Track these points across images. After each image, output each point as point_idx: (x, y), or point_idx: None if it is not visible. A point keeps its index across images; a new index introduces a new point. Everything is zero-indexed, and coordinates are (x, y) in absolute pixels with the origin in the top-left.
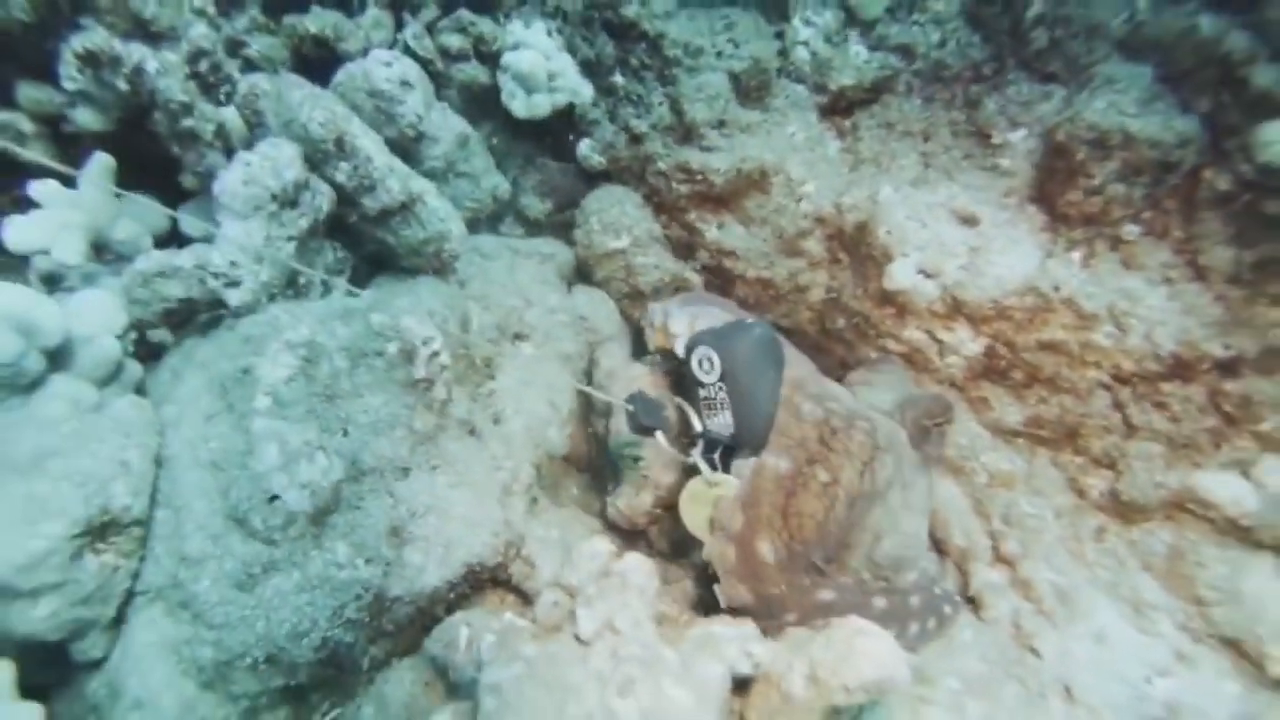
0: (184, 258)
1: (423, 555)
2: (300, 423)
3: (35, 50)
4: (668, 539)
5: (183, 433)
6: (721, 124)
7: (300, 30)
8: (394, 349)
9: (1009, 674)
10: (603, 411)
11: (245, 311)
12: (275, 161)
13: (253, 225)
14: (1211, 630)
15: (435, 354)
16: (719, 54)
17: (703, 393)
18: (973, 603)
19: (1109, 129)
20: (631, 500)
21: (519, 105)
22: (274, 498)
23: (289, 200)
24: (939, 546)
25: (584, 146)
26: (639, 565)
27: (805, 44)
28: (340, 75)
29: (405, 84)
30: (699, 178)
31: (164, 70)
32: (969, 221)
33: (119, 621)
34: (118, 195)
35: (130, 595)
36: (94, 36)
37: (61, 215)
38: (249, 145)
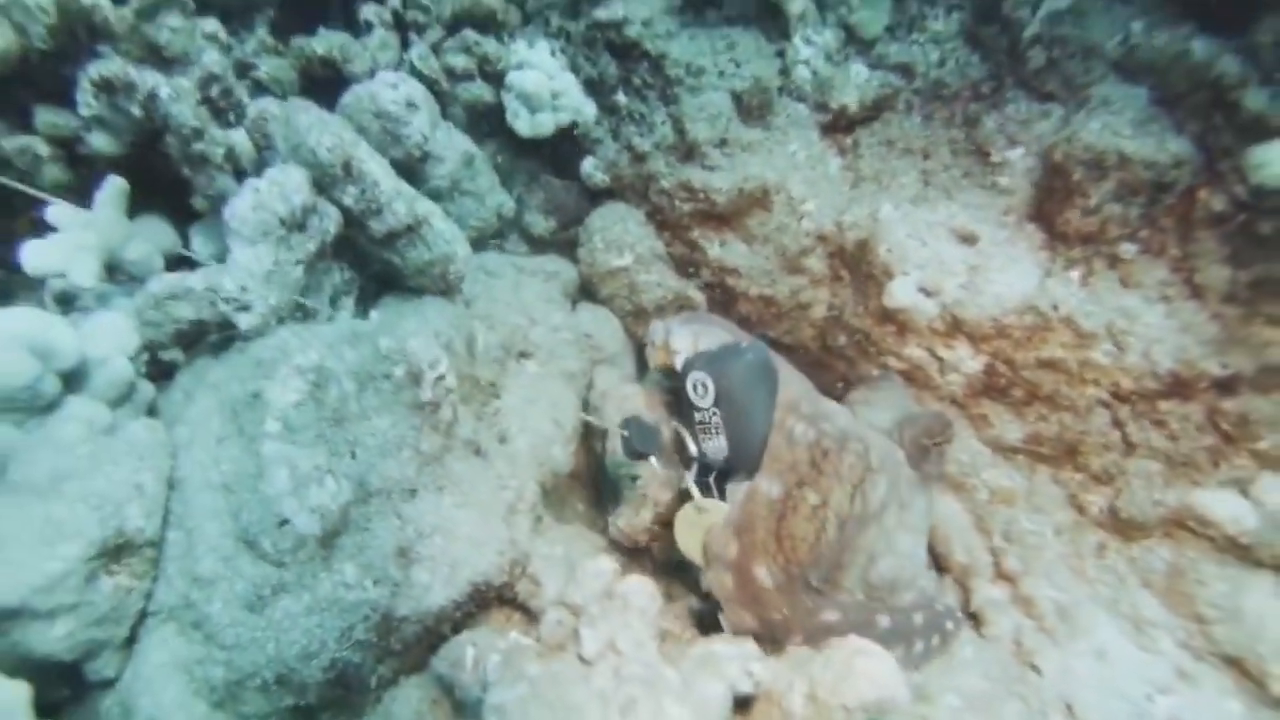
0: (195, 280)
1: (429, 575)
2: (309, 447)
3: (53, 76)
4: (669, 555)
5: (194, 455)
6: (723, 143)
7: (308, 52)
8: (401, 372)
9: (1010, 691)
10: (602, 432)
11: (255, 335)
12: (284, 187)
13: (262, 250)
14: (1213, 648)
15: (441, 377)
16: (721, 73)
17: (698, 416)
18: (974, 619)
19: (1105, 150)
20: (631, 519)
21: (523, 124)
22: (284, 521)
23: (297, 224)
24: (940, 563)
25: (587, 165)
26: (641, 587)
27: (806, 63)
28: (347, 97)
29: (411, 105)
30: (701, 196)
31: (176, 96)
32: (968, 240)
33: (131, 641)
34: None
35: (143, 615)
36: (110, 65)
37: (76, 238)
38: (258, 167)
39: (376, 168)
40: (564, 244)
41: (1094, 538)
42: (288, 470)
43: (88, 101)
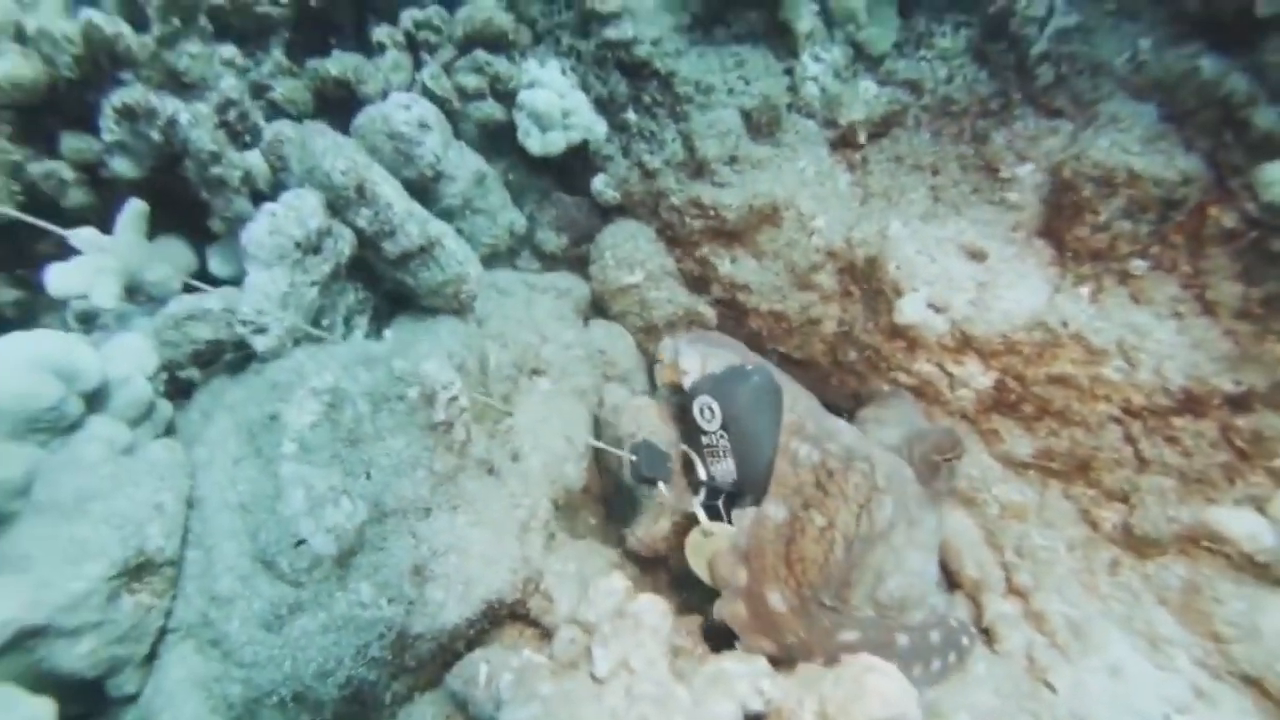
0: (212, 301)
1: (444, 593)
2: (325, 467)
3: (78, 103)
4: (686, 566)
5: (213, 475)
6: (733, 160)
7: (322, 73)
8: (415, 394)
9: (1022, 708)
10: (617, 442)
11: (271, 356)
12: (299, 211)
13: (278, 273)
14: (1231, 667)
15: (455, 398)
16: (730, 91)
17: (705, 440)
18: (986, 635)
19: (1114, 167)
20: (650, 528)
21: (534, 142)
22: (301, 541)
23: (312, 247)
24: (951, 578)
25: (598, 182)
26: (653, 606)
27: (815, 80)
28: (361, 118)
29: (424, 126)
30: (711, 213)
31: (195, 121)
32: (977, 256)
33: (152, 658)
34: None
35: (162, 633)
36: (132, 92)
37: (98, 261)
38: (274, 189)
39: (390, 190)
40: (575, 261)
41: (1107, 554)
42: (304, 491)
43: (110, 127)
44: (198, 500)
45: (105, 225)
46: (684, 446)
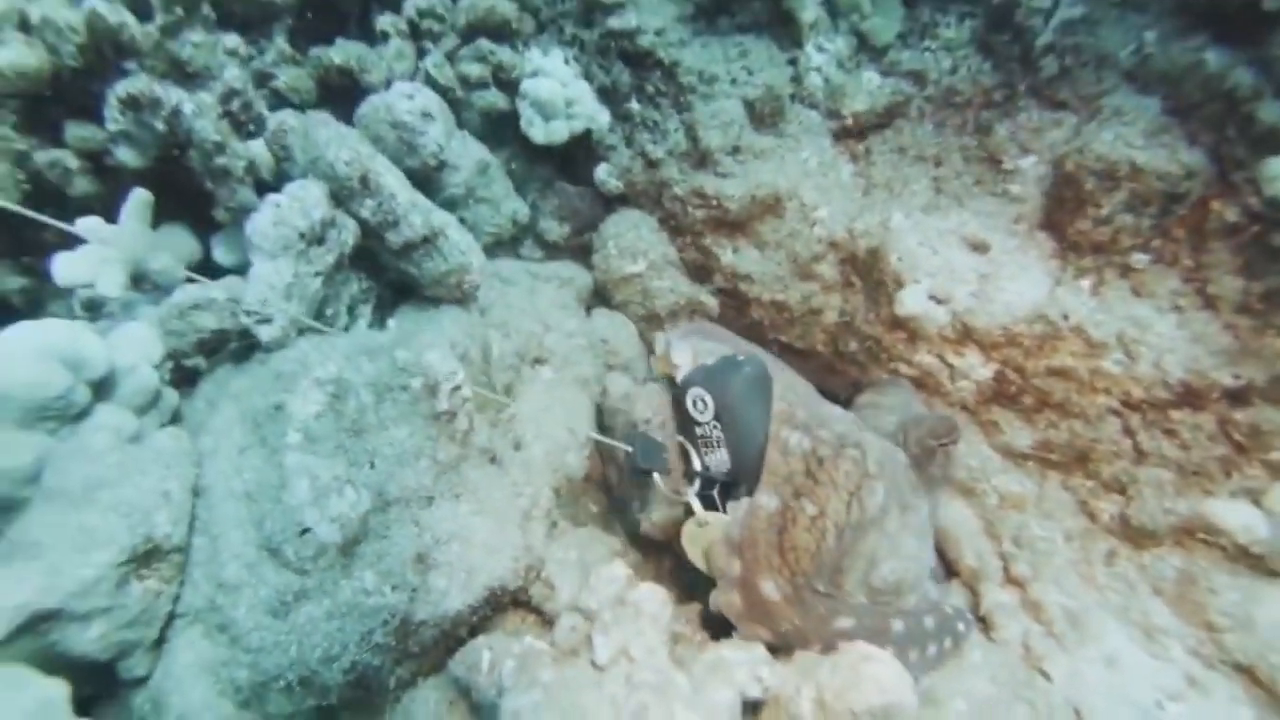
0: (217, 290)
1: (447, 581)
2: (329, 457)
3: (82, 92)
4: None
5: (218, 464)
6: (736, 150)
7: (325, 62)
8: (418, 384)
9: (1018, 696)
10: (627, 426)
11: (276, 346)
12: (303, 202)
13: (282, 264)
14: (1224, 656)
15: (458, 387)
16: (733, 81)
17: (699, 431)
18: (983, 623)
19: (1117, 160)
20: (665, 513)
21: (537, 131)
22: (306, 530)
23: (316, 238)
24: (950, 567)
25: (601, 171)
26: (653, 594)
27: (818, 70)
28: (364, 107)
29: (427, 115)
30: (714, 203)
31: (199, 111)
32: (979, 248)
33: (161, 642)
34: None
35: (171, 618)
36: (136, 82)
37: (103, 250)
38: (277, 178)
39: (393, 181)
40: (578, 250)
41: (1104, 545)
42: (309, 480)
43: (115, 117)
44: (203, 488)
45: (110, 214)
46: (679, 437)
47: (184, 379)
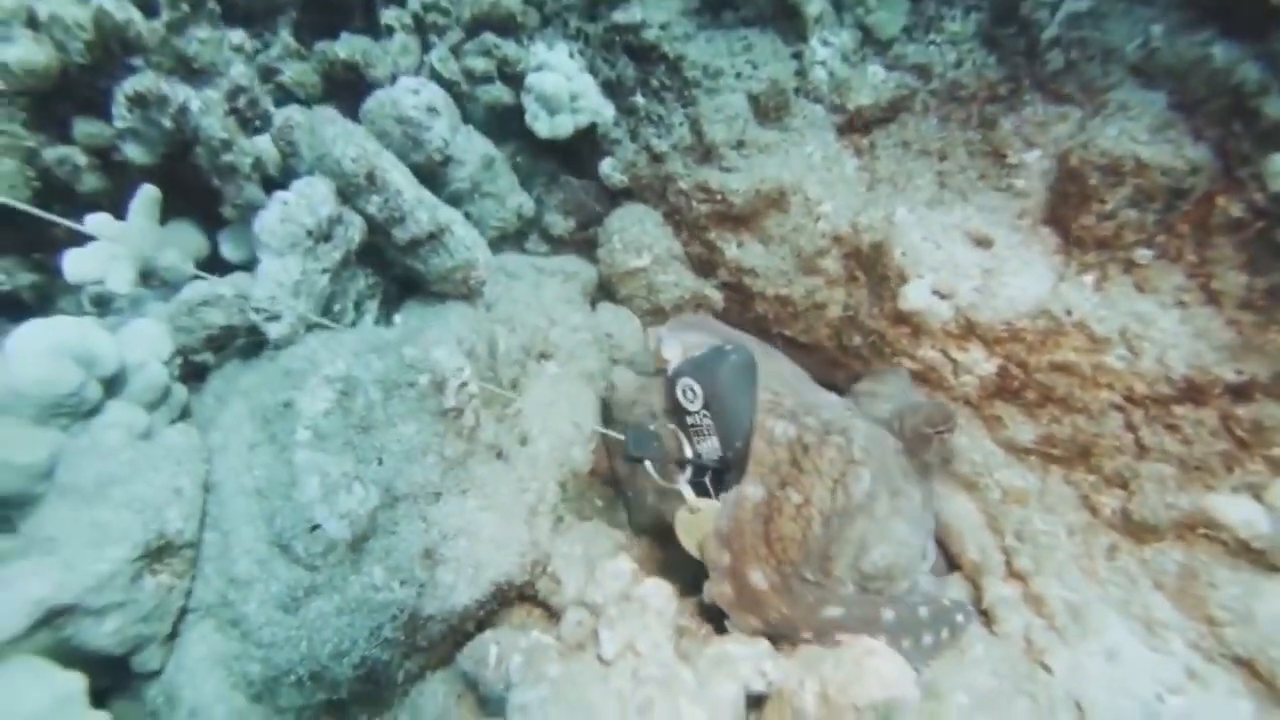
0: (225, 287)
1: (454, 575)
2: (338, 454)
3: (90, 89)
4: None
5: (228, 460)
6: (740, 144)
7: (330, 56)
8: (425, 380)
9: (1019, 689)
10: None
11: (284, 343)
12: (310, 199)
13: (290, 261)
14: (1224, 650)
15: (464, 384)
16: (738, 75)
17: (689, 420)
18: (985, 617)
19: (1121, 156)
20: (655, 500)
21: (542, 126)
22: (315, 527)
23: (323, 235)
24: (953, 561)
25: (606, 165)
26: (658, 589)
27: (823, 64)
28: (370, 102)
29: (432, 110)
30: (719, 197)
31: (205, 109)
32: (983, 243)
33: (173, 636)
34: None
35: (183, 612)
36: (144, 79)
37: (113, 246)
38: (284, 174)
39: (399, 177)
40: (583, 244)
41: (1106, 539)
42: (318, 477)
43: (122, 115)
44: (214, 484)
45: (118, 209)
46: (671, 426)
47: (192, 374)
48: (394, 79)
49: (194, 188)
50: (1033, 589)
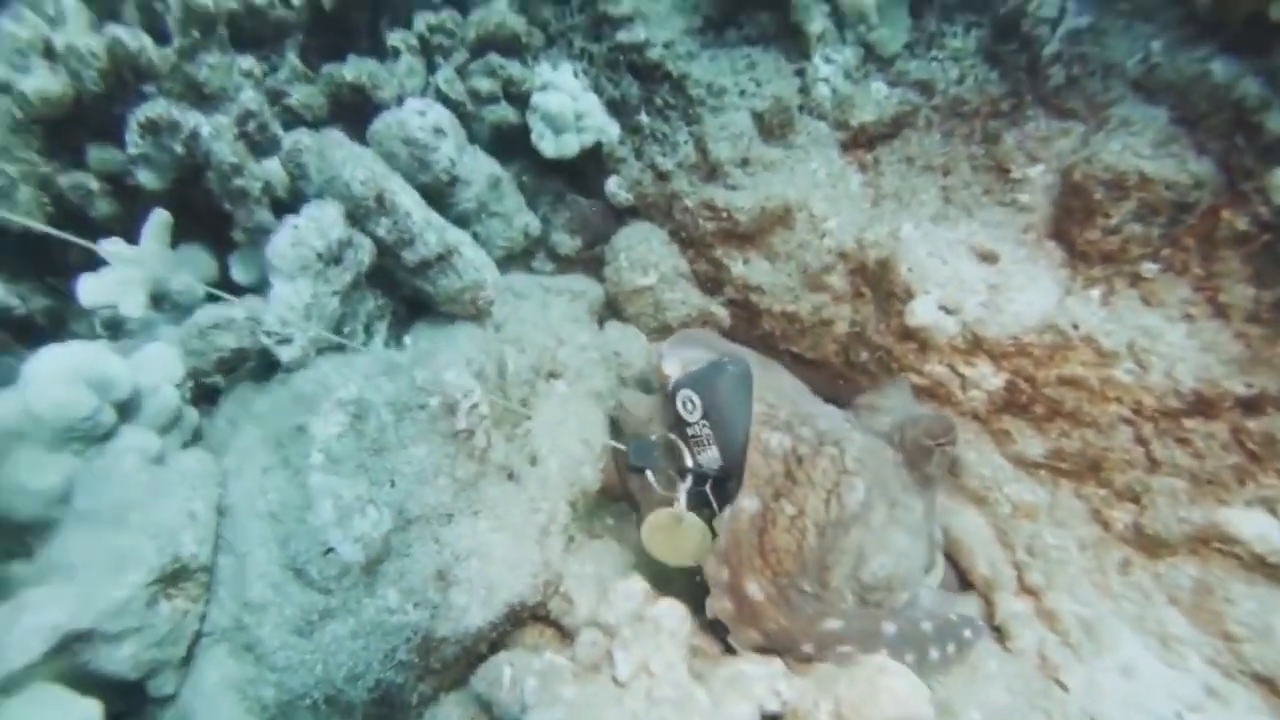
0: (237, 310)
1: (467, 597)
2: (351, 477)
3: (103, 115)
4: None
5: (242, 484)
6: (745, 162)
7: (337, 79)
8: (436, 403)
9: (1034, 706)
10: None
11: (296, 366)
12: (321, 223)
13: (301, 285)
14: (1243, 667)
15: (475, 405)
16: (741, 93)
17: (689, 431)
18: (998, 633)
19: (1125, 170)
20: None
21: (548, 145)
22: (330, 550)
23: (334, 258)
24: (963, 576)
25: (612, 184)
26: (672, 610)
27: (826, 81)
28: (377, 124)
29: (439, 132)
30: (724, 214)
31: (216, 134)
32: (988, 258)
33: (188, 660)
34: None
35: (198, 636)
36: (156, 106)
37: (126, 272)
38: (293, 196)
39: (408, 200)
40: (590, 263)
41: (1118, 554)
42: (332, 501)
43: (135, 141)
44: (227, 508)
45: (129, 234)
46: (672, 436)
47: (203, 397)
48: (400, 100)
49: (203, 211)
50: (1045, 604)
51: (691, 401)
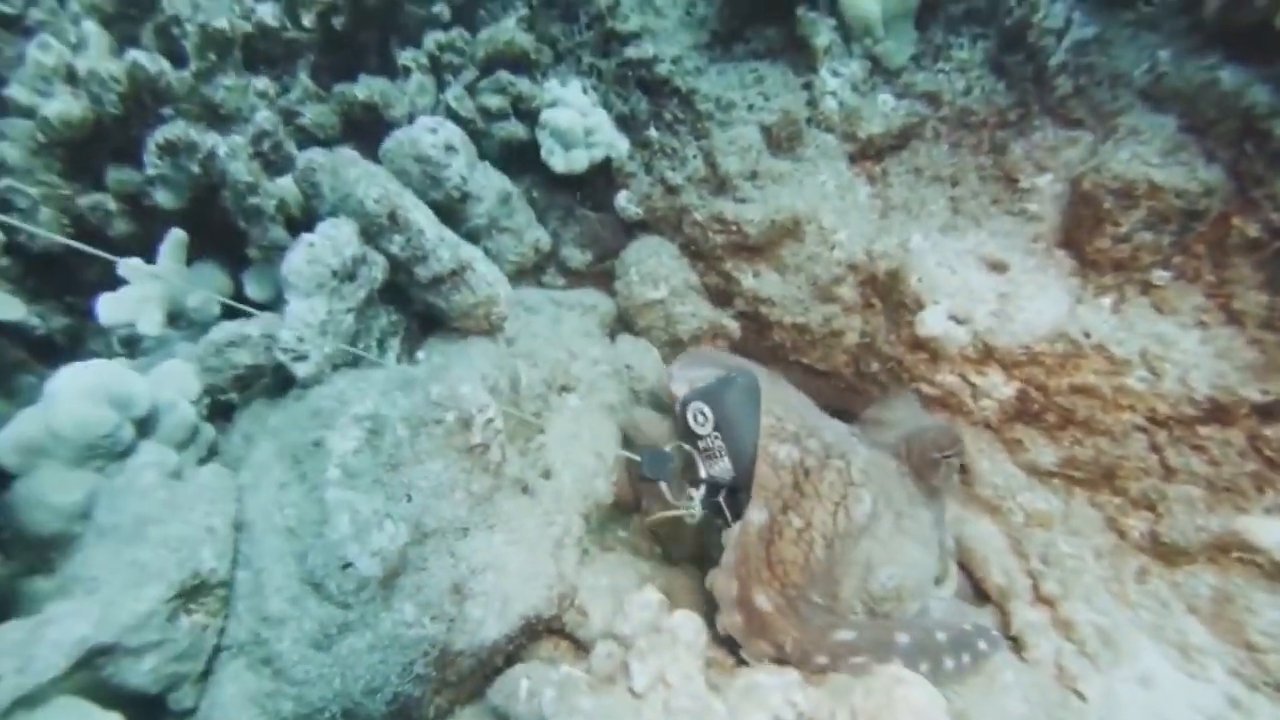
0: (252, 327)
1: (483, 610)
2: (368, 492)
3: (122, 137)
4: None
5: (259, 499)
6: (754, 175)
7: (349, 98)
8: (452, 418)
9: (1052, 716)
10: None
11: (312, 383)
12: (335, 241)
13: (316, 301)
14: (1266, 678)
15: (490, 420)
16: (750, 107)
17: (701, 444)
18: (1014, 643)
19: (1134, 179)
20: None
21: (558, 160)
22: (347, 565)
23: (348, 274)
24: (978, 586)
25: (621, 198)
26: (688, 621)
27: (833, 94)
28: (389, 142)
29: (450, 149)
30: (734, 228)
31: (232, 154)
32: (998, 268)
33: (207, 674)
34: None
35: (216, 651)
36: (174, 128)
37: (143, 290)
38: (306, 214)
39: (421, 217)
40: (600, 276)
41: (1135, 562)
42: (349, 515)
43: (153, 161)
44: (245, 523)
45: (146, 253)
46: (685, 446)
47: (218, 413)
48: (411, 118)
49: (217, 229)
50: (1061, 613)
51: (702, 414)
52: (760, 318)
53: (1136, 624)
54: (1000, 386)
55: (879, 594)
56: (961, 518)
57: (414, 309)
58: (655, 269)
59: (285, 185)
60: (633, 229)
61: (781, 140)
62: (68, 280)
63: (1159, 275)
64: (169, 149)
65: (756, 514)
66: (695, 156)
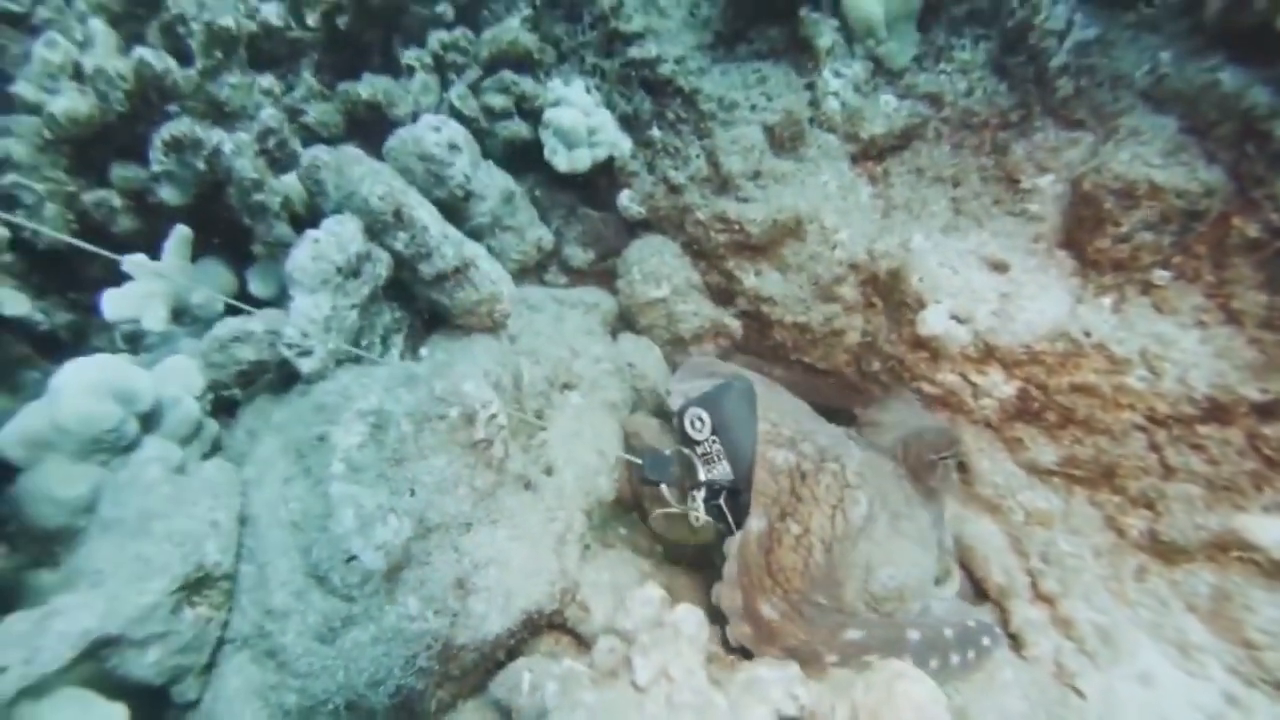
0: (256, 323)
1: (486, 605)
2: (372, 486)
3: (127, 134)
4: None
5: (263, 493)
6: (756, 174)
7: (353, 96)
8: (456, 413)
9: (1052, 714)
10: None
11: (316, 378)
12: (340, 237)
13: (321, 298)
14: (1264, 675)
15: (493, 416)
16: (752, 107)
17: (700, 449)
18: (1014, 640)
19: (1135, 179)
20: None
21: (561, 160)
22: (351, 558)
23: (352, 271)
24: (978, 585)
25: (624, 197)
26: (691, 615)
27: (835, 95)
28: (393, 140)
29: (453, 147)
30: (736, 227)
31: (238, 150)
32: (999, 268)
33: (211, 667)
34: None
35: (220, 643)
36: (180, 125)
37: (148, 286)
38: (311, 211)
39: (425, 214)
40: (602, 275)
41: (1134, 560)
42: (354, 509)
43: (159, 158)
44: (249, 517)
45: (151, 249)
46: (685, 450)
47: (221, 408)
48: (415, 117)
49: (222, 226)
50: (1061, 611)
51: (700, 419)
52: (762, 316)
53: (1135, 622)
54: (1001, 385)
55: (880, 594)
56: (961, 516)
57: (418, 306)
58: (657, 268)
59: (290, 182)
60: (635, 228)
61: (784, 140)
62: (72, 276)
63: (1159, 275)
64: (174, 146)
65: (755, 522)
66: (698, 156)
